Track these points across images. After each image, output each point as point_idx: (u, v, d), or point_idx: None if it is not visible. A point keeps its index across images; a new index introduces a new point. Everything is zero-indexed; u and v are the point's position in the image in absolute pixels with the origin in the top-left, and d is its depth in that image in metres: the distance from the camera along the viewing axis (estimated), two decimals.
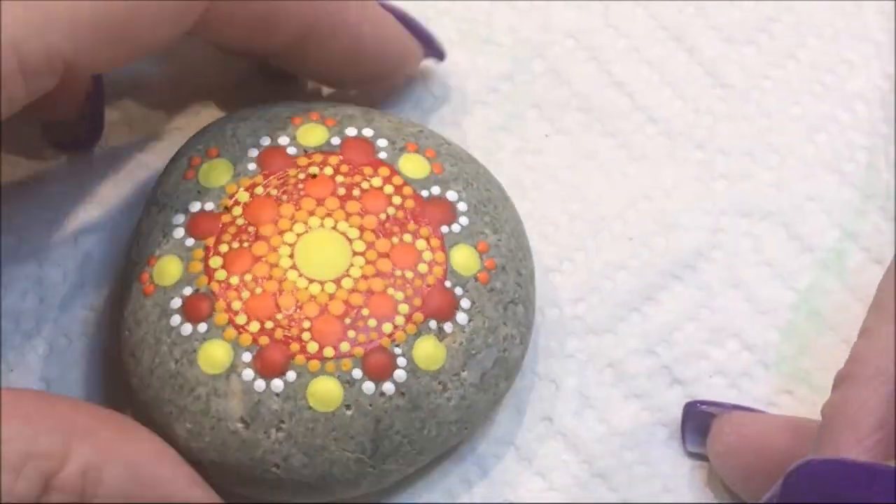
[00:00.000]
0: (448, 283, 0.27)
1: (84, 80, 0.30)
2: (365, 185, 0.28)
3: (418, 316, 0.27)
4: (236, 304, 0.27)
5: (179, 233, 0.28)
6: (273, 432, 0.26)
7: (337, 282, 0.27)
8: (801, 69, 0.33)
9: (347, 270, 0.27)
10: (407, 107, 0.32)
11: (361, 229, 0.27)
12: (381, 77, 0.31)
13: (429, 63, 0.32)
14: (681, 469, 0.29)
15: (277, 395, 0.26)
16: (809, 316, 0.31)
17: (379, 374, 0.26)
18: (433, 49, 0.31)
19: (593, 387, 0.30)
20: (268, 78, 0.32)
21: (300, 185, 0.28)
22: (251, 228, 0.27)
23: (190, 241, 0.28)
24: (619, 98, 0.33)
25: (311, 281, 0.27)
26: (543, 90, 0.33)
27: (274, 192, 0.28)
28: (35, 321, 0.30)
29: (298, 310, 0.27)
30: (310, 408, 0.26)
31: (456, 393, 0.27)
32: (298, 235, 0.27)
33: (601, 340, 0.30)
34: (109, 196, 0.31)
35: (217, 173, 0.28)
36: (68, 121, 0.31)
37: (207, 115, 0.32)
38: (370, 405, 0.26)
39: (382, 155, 0.28)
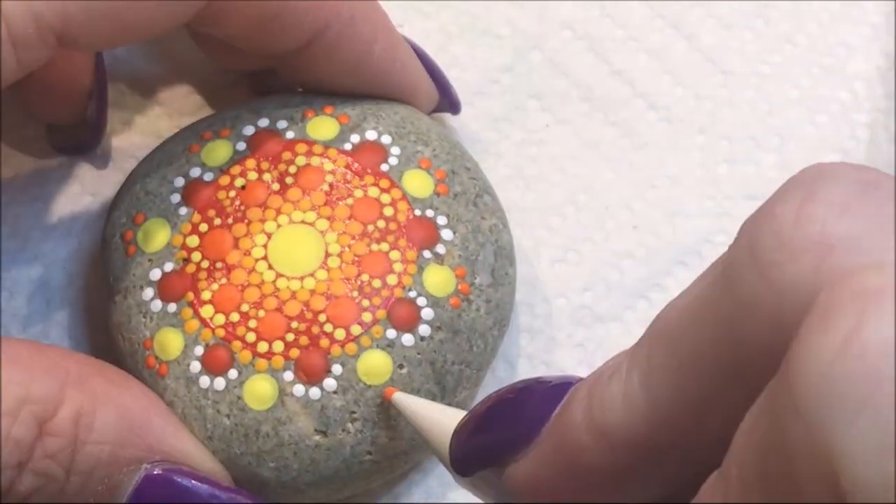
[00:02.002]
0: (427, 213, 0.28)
1: (86, 82, 0.30)
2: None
3: (412, 265, 0.27)
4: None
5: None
6: (350, 426, 0.26)
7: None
8: (799, 53, 0.33)
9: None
10: None
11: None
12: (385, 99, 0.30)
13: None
14: None
15: (335, 392, 0.26)
16: None
17: (407, 324, 0.27)
18: (449, 98, 0.31)
19: None
20: (259, 93, 0.32)
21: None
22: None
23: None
24: (619, 87, 0.33)
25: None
26: (542, 81, 0.33)
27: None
28: (42, 325, 0.30)
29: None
30: (366, 385, 0.26)
31: (480, 299, 0.27)
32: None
33: (609, 329, 0.30)
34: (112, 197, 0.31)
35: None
36: (71, 124, 0.31)
37: (207, 115, 0.32)
38: (418, 354, 0.27)
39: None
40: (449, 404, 0.27)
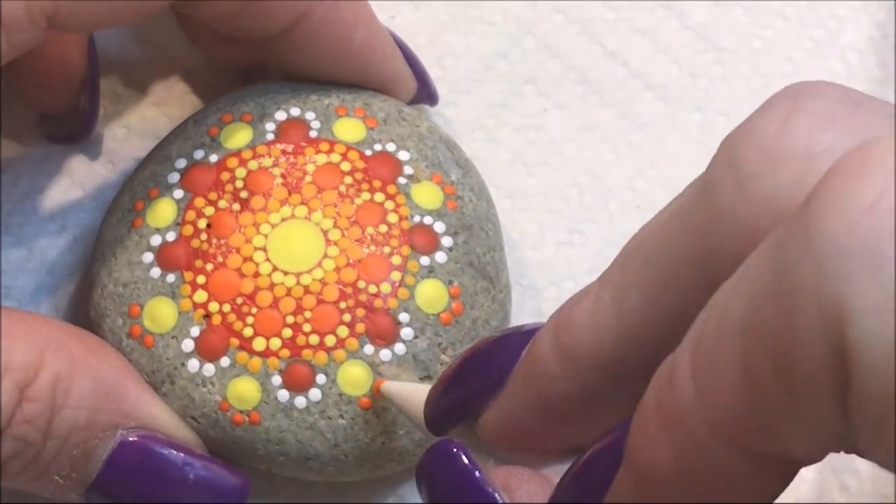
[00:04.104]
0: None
1: (79, 69, 0.30)
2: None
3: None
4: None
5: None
6: (444, 357, 0.27)
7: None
8: (790, 27, 0.33)
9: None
10: None
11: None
12: (365, 88, 0.30)
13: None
14: None
15: (416, 337, 0.27)
16: None
17: (428, 248, 0.27)
18: (427, 89, 0.31)
19: None
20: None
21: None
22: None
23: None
24: (614, 68, 0.33)
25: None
26: (537, 66, 0.33)
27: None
28: None
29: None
30: (431, 314, 0.27)
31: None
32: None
33: None
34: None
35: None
36: (63, 113, 0.31)
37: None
38: (456, 263, 0.27)
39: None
40: (499, 293, 0.28)
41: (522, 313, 0.30)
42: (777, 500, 0.29)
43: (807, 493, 0.29)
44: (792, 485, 0.29)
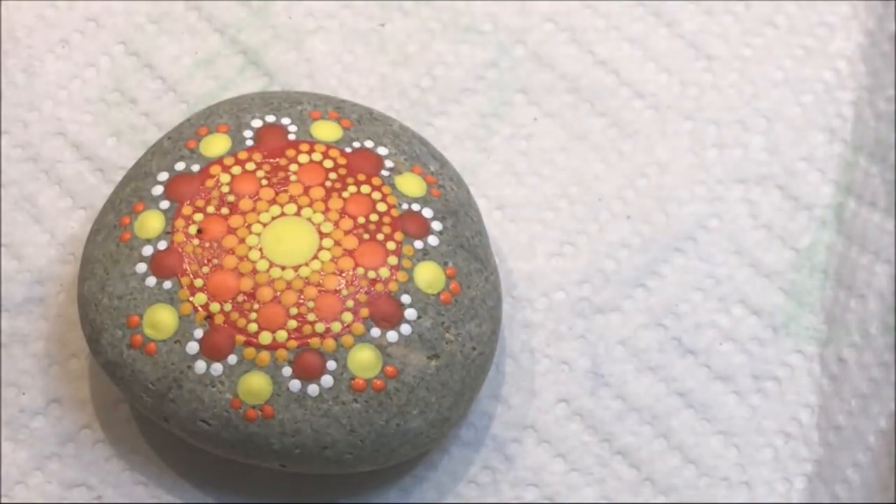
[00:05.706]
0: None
1: None
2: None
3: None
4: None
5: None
6: (448, 335, 0.27)
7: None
8: (780, 35, 0.33)
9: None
10: (395, 99, 0.32)
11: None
12: None
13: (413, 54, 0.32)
14: (701, 438, 0.30)
15: (420, 317, 0.27)
16: (812, 273, 0.31)
17: (420, 233, 0.28)
18: None
19: (606, 364, 0.30)
20: None
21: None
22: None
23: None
24: (604, 76, 0.33)
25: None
26: (528, 75, 0.33)
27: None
28: (43, 342, 0.30)
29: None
30: (432, 293, 0.27)
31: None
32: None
33: (609, 319, 0.31)
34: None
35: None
36: None
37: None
38: (448, 246, 0.28)
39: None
40: (491, 274, 0.29)
41: (513, 324, 0.30)
42: None
43: (797, 502, 0.29)
44: (783, 494, 0.29)
